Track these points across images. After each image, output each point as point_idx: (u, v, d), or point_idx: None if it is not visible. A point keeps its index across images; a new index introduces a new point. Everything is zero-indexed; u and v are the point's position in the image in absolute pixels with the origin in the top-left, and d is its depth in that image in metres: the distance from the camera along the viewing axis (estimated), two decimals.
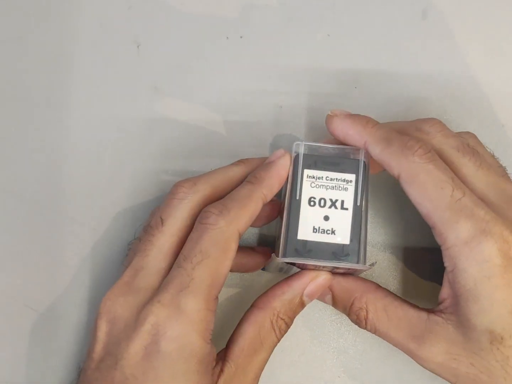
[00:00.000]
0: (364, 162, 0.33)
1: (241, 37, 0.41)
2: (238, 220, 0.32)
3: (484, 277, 0.30)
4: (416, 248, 0.40)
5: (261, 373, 0.33)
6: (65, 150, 0.40)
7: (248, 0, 0.41)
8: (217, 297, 0.32)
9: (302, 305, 0.34)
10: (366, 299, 0.33)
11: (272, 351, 0.34)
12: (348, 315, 0.34)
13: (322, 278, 0.33)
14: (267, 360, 0.33)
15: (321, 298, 0.35)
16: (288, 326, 0.34)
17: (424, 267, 0.39)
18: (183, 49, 0.41)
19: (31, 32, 0.41)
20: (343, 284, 0.34)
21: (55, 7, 0.41)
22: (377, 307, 0.33)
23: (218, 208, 0.32)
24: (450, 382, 0.32)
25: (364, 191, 0.33)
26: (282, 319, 0.33)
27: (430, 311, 0.32)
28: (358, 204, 0.33)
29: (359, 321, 0.34)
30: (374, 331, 0.33)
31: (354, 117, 0.34)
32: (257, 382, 0.33)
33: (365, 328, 0.34)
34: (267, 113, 0.40)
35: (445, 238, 0.30)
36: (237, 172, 0.34)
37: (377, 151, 0.32)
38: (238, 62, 0.41)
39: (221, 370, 0.32)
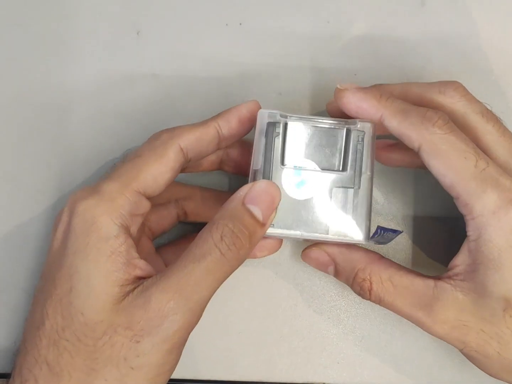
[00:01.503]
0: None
1: (240, 24, 0.41)
2: (181, 135, 0.33)
3: (510, 247, 0.30)
4: (424, 217, 0.40)
5: (203, 293, 0.30)
6: (64, 140, 0.40)
7: None
8: (140, 193, 0.32)
9: (249, 214, 0.30)
10: (370, 270, 0.33)
11: (219, 266, 0.30)
12: (351, 286, 0.34)
13: (258, 184, 0.31)
14: (211, 276, 0.30)
15: (324, 269, 0.35)
16: (235, 235, 0.30)
17: (432, 236, 0.40)
18: (183, 36, 0.41)
19: (30, 18, 0.41)
20: (347, 255, 0.34)
21: None
22: (381, 277, 0.33)
23: (168, 128, 0.34)
24: (457, 348, 0.32)
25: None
26: (224, 224, 0.30)
27: (436, 278, 0.32)
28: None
29: (363, 292, 0.33)
30: (379, 301, 0.33)
31: (366, 90, 0.33)
32: (198, 302, 0.30)
33: (369, 299, 0.33)
34: (267, 100, 0.40)
35: (471, 208, 0.30)
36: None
37: (395, 123, 0.32)
38: (237, 49, 0.41)
39: (143, 271, 0.31)
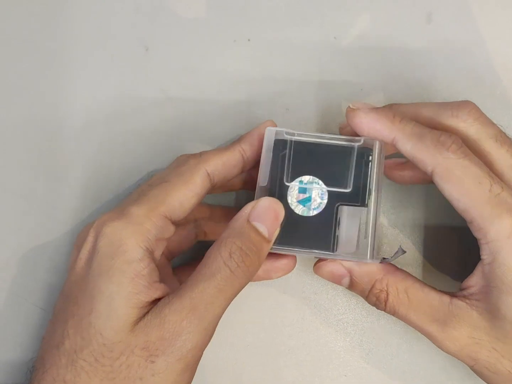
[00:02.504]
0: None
1: (248, 40, 0.42)
2: (208, 161, 0.34)
3: None
4: (434, 228, 0.40)
5: (215, 311, 0.30)
6: (68, 156, 0.40)
7: (255, 2, 0.42)
8: (167, 218, 0.32)
9: (255, 231, 0.31)
10: (387, 281, 0.33)
11: (230, 284, 0.30)
12: (367, 297, 0.34)
13: (262, 201, 0.32)
14: (222, 294, 0.30)
15: (338, 281, 0.35)
16: (243, 252, 0.31)
17: (441, 247, 0.40)
18: (191, 52, 0.41)
19: (38, 38, 0.41)
20: (364, 267, 0.34)
21: (64, 11, 0.41)
22: (398, 289, 0.33)
23: (194, 154, 0.34)
24: (467, 364, 0.32)
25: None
26: (232, 242, 0.31)
27: (452, 295, 0.33)
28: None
29: (379, 302, 0.33)
30: (393, 313, 0.33)
31: (379, 110, 0.33)
32: (210, 320, 0.30)
33: (384, 310, 0.33)
34: (275, 115, 0.41)
35: (486, 232, 0.30)
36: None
37: (408, 147, 0.32)
38: (245, 65, 0.41)
39: (162, 293, 0.31)
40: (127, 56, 0.41)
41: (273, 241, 0.32)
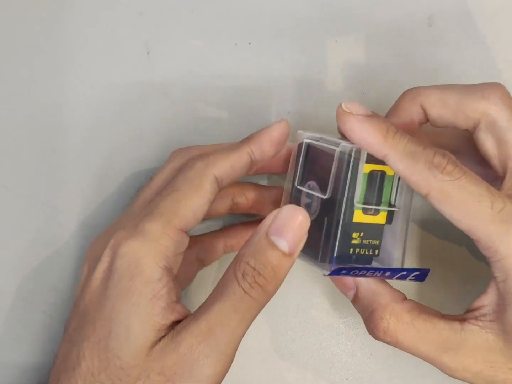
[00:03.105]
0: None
1: (249, 43, 0.42)
2: (216, 164, 0.32)
3: None
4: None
5: (233, 333, 0.29)
6: (71, 158, 0.40)
7: (257, 6, 0.42)
8: (182, 230, 0.31)
9: (272, 247, 0.29)
10: (391, 309, 0.31)
11: (245, 305, 0.29)
12: (365, 320, 0.33)
13: (283, 211, 0.29)
14: (238, 316, 0.29)
15: (345, 290, 0.34)
16: (256, 272, 0.29)
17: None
18: (193, 55, 0.42)
19: (40, 38, 0.41)
20: (371, 285, 0.32)
21: (68, 15, 0.41)
22: (402, 319, 0.31)
23: (200, 155, 0.33)
24: None
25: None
26: (246, 262, 0.29)
27: (462, 320, 0.31)
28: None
29: (376, 330, 0.32)
30: (395, 343, 0.32)
31: (373, 121, 0.30)
32: (228, 343, 0.29)
33: (382, 340, 0.32)
34: (275, 119, 0.40)
35: (495, 251, 0.29)
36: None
37: (400, 167, 0.30)
38: (246, 68, 0.41)
39: (180, 315, 0.30)
40: (129, 59, 0.41)
41: (296, 254, 0.30)
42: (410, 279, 0.31)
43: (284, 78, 0.41)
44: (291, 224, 0.29)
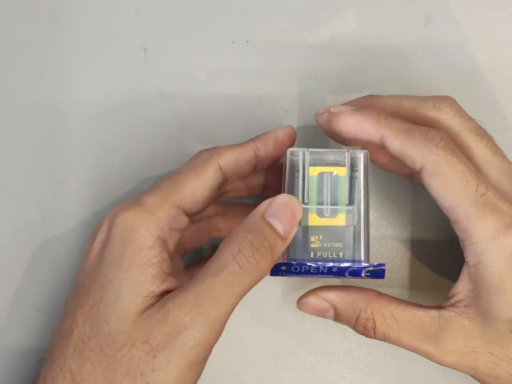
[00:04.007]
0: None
1: (247, 41, 0.42)
2: (220, 155, 0.33)
3: (511, 271, 0.30)
4: (423, 240, 0.40)
5: (222, 307, 0.29)
6: (69, 157, 0.40)
7: (254, 4, 0.42)
8: (179, 207, 0.32)
9: (269, 226, 0.30)
10: (371, 309, 0.33)
11: (238, 280, 0.29)
12: (354, 327, 0.34)
13: (279, 197, 0.30)
14: (229, 290, 0.29)
15: (322, 314, 0.34)
16: (254, 246, 0.29)
17: (432, 260, 0.40)
18: (190, 54, 0.41)
19: (37, 37, 0.41)
20: (345, 298, 0.33)
21: (63, 13, 0.41)
22: (384, 314, 0.32)
23: (208, 148, 0.34)
24: (467, 373, 0.32)
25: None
26: (244, 236, 0.30)
27: (439, 308, 0.32)
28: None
29: (367, 331, 0.33)
30: (384, 338, 0.33)
31: (362, 111, 0.32)
32: (216, 317, 0.29)
33: (374, 338, 0.33)
34: (273, 117, 0.41)
35: (471, 233, 0.30)
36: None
37: (397, 144, 0.31)
38: (243, 67, 0.41)
39: (171, 285, 0.31)
40: (126, 58, 0.41)
41: (289, 239, 0.30)
42: (365, 276, 0.31)
43: (281, 76, 0.41)
44: (286, 209, 0.30)
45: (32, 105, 0.41)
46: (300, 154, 0.32)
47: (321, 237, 0.32)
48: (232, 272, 0.29)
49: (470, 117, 0.34)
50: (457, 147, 0.32)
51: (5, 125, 0.40)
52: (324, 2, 0.42)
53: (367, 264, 0.31)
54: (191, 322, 0.28)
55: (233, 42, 0.42)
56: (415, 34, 0.41)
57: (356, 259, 0.32)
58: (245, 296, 0.39)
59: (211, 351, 0.30)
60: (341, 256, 0.32)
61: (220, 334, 0.30)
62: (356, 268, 0.31)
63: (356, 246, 0.32)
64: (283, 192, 0.32)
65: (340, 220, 0.32)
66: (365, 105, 0.35)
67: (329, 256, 0.32)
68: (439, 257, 0.40)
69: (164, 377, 0.29)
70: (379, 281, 0.39)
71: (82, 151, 0.40)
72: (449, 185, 0.30)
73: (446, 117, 0.33)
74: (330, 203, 0.32)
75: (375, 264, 0.31)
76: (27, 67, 0.41)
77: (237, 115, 0.41)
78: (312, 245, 0.32)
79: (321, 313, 0.34)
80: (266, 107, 0.41)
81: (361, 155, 0.32)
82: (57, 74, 0.41)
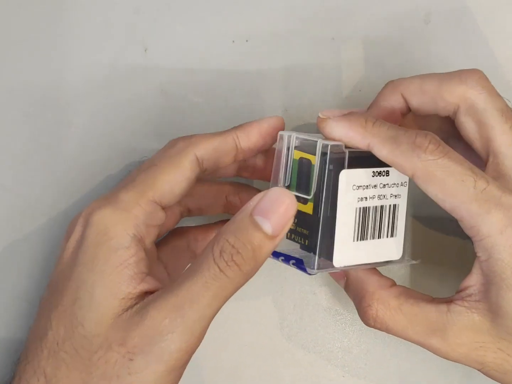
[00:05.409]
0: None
1: (246, 40, 0.42)
2: (198, 144, 0.32)
3: None
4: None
5: (202, 311, 0.28)
6: (66, 152, 0.41)
7: (255, 3, 0.42)
8: (156, 203, 0.31)
9: (254, 226, 0.28)
10: (378, 296, 0.32)
11: (218, 283, 0.28)
12: (356, 308, 0.33)
13: (270, 192, 0.29)
14: (209, 293, 0.28)
15: (337, 279, 0.34)
16: (235, 250, 0.28)
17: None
18: (190, 53, 0.42)
19: (37, 35, 0.41)
20: (359, 274, 0.33)
21: (62, 10, 0.41)
22: (390, 305, 0.32)
23: (184, 136, 0.33)
24: (474, 368, 0.32)
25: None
26: (225, 239, 0.28)
27: (448, 301, 0.32)
28: None
29: (366, 318, 0.32)
30: (386, 329, 0.32)
31: (350, 116, 0.31)
32: (196, 320, 0.28)
33: (373, 326, 0.32)
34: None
35: (478, 230, 0.30)
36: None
37: (384, 152, 0.30)
38: (243, 66, 0.41)
39: (150, 286, 0.30)
40: (126, 57, 0.41)
41: (279, 238, 0.29)
42: (292, 265, 0.31)
43: (281, 75, 0.41)
44: (277, 206, 0.28)
45: (30, 101, 0.40)
46: (285, 138, 0.32)
47: (296, 220, 0.32)
48: (213, 275, 0.28)
49: (498, 94, 0.32)
50: (479, 124, 0.31)
51: (2, 120, 0.40)
52: (324, 1, 0.42)
53: (297, 256, 0.31)
54: (170, 325, 0.27)
55: (233, 41, 0.42)
56: (415, 32, 0.42)
57: (313, 250, 0.31)
58: (244, 294, 0.39)
59: (191, 356, 0.29)
60: (306, 243, 0.32)
61: (202, 338, 0.29)
62: (283, 258, 0.32)
63: (313, 236, 0.31)
64: (272, 176, 0.32)
65: (309, 208, 0.32)
66: (378, 101, 0.35)
67: (299, 241, 0.32)
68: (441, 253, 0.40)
69: (140, 381, 0.28)
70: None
71: (80, 147, 0.40)
72: (444, 188, 0.30)
73: (473, 91, 0.32)
74: (302, 190, 0.32)
75: (297, 257, 0.31)
76: (27, 66, 0.41)
77: (237, 114, 0.41)
78: (290, 226, 0.31)
79: (336, 277, 0.35)
80: (265, 106, 0.41)
81: (327, 146, 0.31)
82: (56, 70, 0.41)
